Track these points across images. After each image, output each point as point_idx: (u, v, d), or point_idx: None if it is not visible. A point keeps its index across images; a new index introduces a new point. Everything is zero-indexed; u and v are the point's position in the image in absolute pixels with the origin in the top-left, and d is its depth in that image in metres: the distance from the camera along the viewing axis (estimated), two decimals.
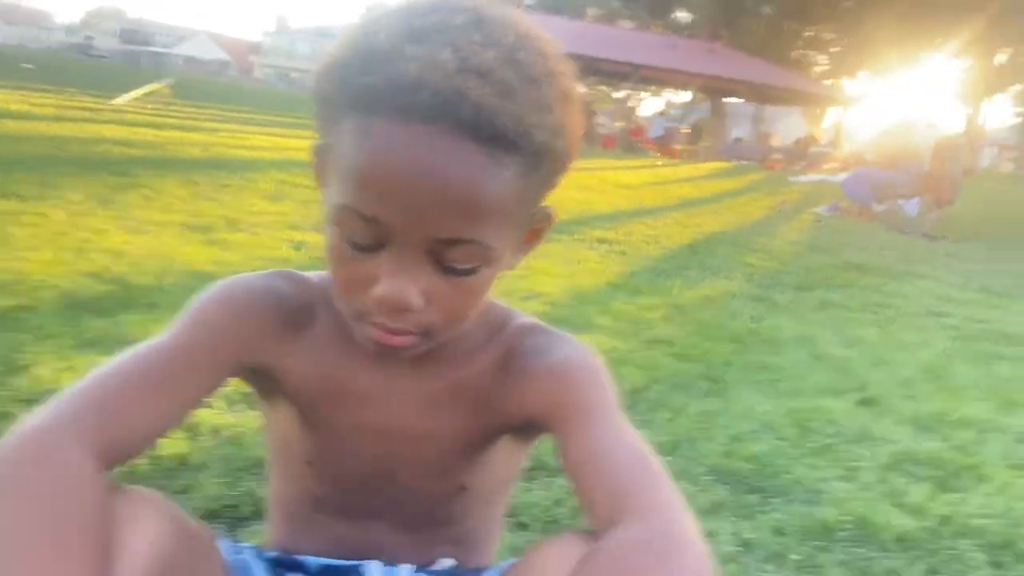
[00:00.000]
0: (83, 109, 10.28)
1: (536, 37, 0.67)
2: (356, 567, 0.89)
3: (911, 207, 9.98)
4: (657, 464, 0.71)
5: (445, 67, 0.60)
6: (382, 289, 0.68)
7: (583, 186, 8.64)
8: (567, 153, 0.69)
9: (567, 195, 7.62)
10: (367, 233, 0.66)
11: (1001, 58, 28.69)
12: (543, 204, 0.74)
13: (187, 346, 0.75)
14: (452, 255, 0.67)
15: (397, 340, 0.72)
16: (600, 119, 23.97)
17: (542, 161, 0.66)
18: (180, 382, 0.74)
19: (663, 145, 22.37)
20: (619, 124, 25.79)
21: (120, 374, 0.71)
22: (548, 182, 0.70)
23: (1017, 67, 29.26)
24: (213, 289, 0.81)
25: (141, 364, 0.73)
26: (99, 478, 0.64)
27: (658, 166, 16.48)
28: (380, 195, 0.64)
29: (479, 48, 0.62)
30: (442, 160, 0.62)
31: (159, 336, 0.76)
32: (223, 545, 0.84)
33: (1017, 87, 29.18)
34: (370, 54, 0.63)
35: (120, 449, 0.68)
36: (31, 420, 0.65)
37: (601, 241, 5.44)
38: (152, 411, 0.71)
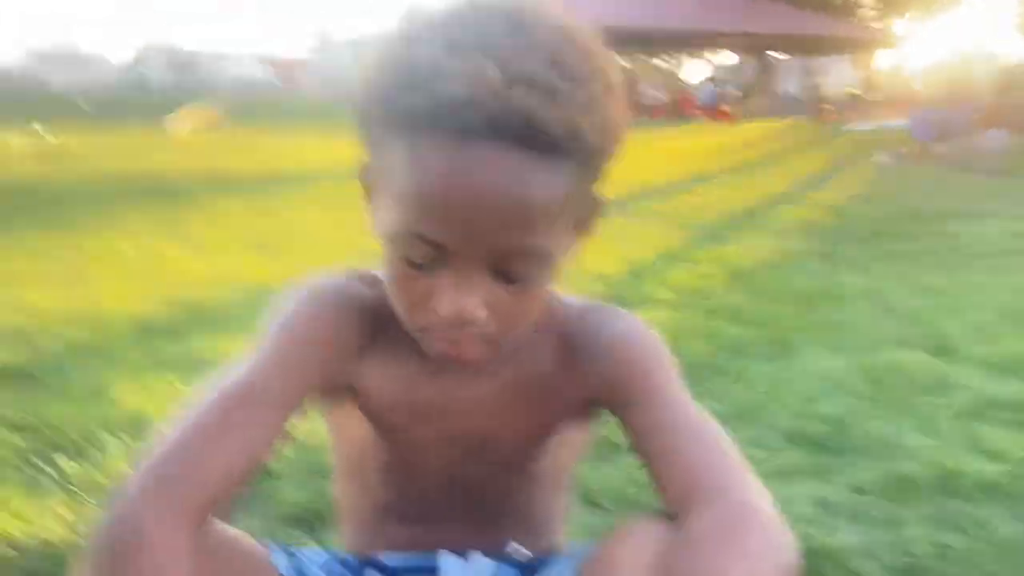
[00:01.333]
0: (140, 141, 10.58)
1: (576, 31, 0.66)
2: (431, 560, 0.91)
3: (996, 141, 9.46)
4: (724, 438, 0.72)
5: (491, 82, 0.59)
6: (446, 306, 0.68)
7: (633, 159, 8.55)
8: (615, 146, 0.69)
9: (617, 170, 7.56)
10: (427, 253, 0.66)
11: None
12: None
13: (270, 382, 0.73)
14: (512, 265, 0.67)
15: (466, 353, 0.72)
16: (647, 90, 23.66)
17: (593, 159, 0.66)
18: (264, 421, 0.71)
19: (712, 110, 22.01)
20: (664, 94, 25.42)
21: (202, 424, 0.69)
22: (597, 176, 0.70)
23: None
24: (295, 305, 0.78)
25: (223, 407, 0.71)
26: (192, 546, 0.64)
27: (709, 131, 16.21)
28: (441, 220, 0.64)
29: (522, 55, 0.61)
30: (499, 177, 0.61)
31: (240, 366, 0.74)
32: (278, 559, 0.84)
33: None
34: (411, 73, 0.62)
35: (210, 505, 0.67)
36: (121, 499, 0.64)
37: (655, 213, 5.40)
38: (239, 457, 0.69)
